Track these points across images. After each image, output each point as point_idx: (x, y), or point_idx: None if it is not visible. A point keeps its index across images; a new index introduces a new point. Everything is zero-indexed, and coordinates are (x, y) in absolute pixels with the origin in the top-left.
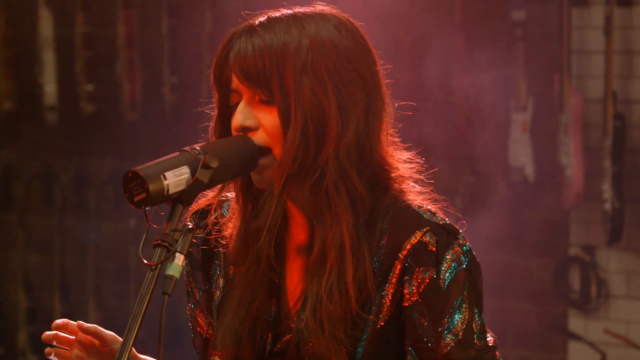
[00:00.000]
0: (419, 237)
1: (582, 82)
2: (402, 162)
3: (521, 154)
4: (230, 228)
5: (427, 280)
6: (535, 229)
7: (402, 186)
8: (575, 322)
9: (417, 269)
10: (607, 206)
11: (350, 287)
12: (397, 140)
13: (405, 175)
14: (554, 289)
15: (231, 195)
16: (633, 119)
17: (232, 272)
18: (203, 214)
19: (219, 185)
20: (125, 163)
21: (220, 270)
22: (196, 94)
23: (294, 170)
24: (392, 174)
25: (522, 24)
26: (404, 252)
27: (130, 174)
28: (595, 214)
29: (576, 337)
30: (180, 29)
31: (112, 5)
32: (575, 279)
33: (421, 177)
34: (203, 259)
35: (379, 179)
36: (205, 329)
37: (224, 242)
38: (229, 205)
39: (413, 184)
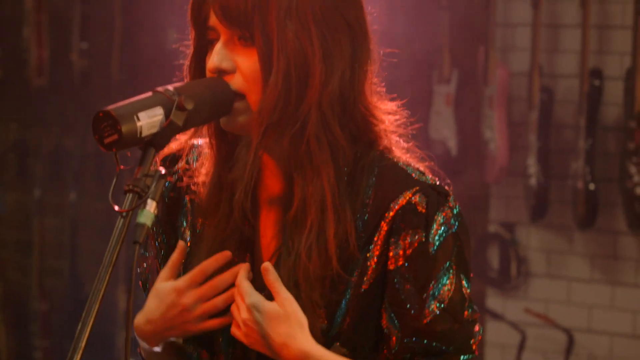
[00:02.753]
0: (408, 198)
1: (506, 55)
2: (387, 113)
3: (443, 127)
4: (203, 175)
5: (416, 244)
6: None
7: (386, 141)
8: (494, 301)
9: (404, 232)
10: (533, 181)
11: (330, 245)
12: (382, 89)
13: (390, 129)
14: (472, 267)
15: (199, 141)
16: (558, 94)
17: (200, 224)
18: (173, 160)
19: (192, 130)
20: (31, 131)
21: (186, 222)
22: (107, 60)
23: (274, 119)
24: (376, 127)
25: None
26: (392, 213)
27: (101, 114)
28: (516, 190)
29: (495, 316)
30: None
31: None
32: (494, 257)
33: (406, 132)
34: (170, 209)
35: (362, 131)
36: None
37: (194, 189)
38: (197, 152)
39: (398, 139)
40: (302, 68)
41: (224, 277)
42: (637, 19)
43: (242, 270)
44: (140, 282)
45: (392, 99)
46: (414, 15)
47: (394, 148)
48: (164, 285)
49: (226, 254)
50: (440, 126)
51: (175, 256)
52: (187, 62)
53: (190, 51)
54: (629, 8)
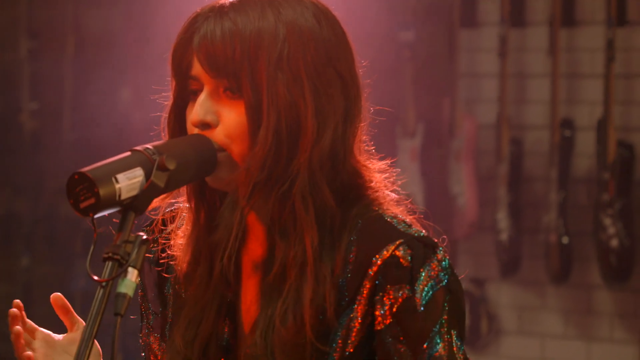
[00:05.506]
0: (391, 251)
1: (472, 106)
2: (376, 171)
3: (409, 183)
4: (180, 237)
5: (400, 300)
6: None
7: (375, 195)
8: None
9: (387, 287)
10: (503, 236)
11: (306, 311)
12: (371, 148)
13: (379, 186)
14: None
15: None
16: (528, 145)
17: (183, 288)
18: (158, 225)
19: (170, 194)
20: None
21: (172, 288)
22: (58, 120)
23: (262, 177)
24: (365, 187)
25: (410, 45)
26: (374, 268)
27: (76, 177)
28: (486, 245)
29: None
30: (41, 52)
31: None
32: None
33: (397, 188)
34: (157, 277)
35: (349, 189)
36: (159, 358)
37: (172, 253)
38: (174, 213)
39: (388, 192)
40: (293, 123)
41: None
42: (608, 66)
43: None
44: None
45: (381, 158)
46: (375, 67)
47: (382, 201)
48: None
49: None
50: (406, 182)
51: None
52: (165, 115)
53: (169, 103)
54: (598, 56)
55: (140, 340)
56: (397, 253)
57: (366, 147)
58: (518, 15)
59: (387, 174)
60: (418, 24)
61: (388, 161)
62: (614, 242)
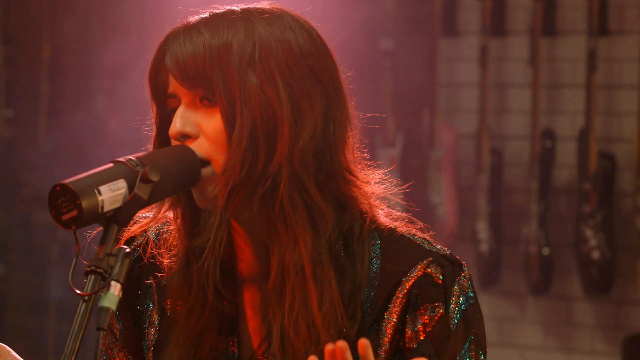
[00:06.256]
0: (423, 270)
1: (452, 116)
2: (373, 181)
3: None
4: (169, 254)
5: (437, 318)
6: None
7: (374, 210)
8: None
9: (423, 306)
10: (483, 247)
11: (317, 317)
12: (366, 156)
13: (376, 195)
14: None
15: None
16: (508, 156)
17: (169, 306)
18: (129, 239)
19: (155, 211)
20: None
21: (153, 305)
22: (33, 128)
23: (241, 178)
24: (362, 196)
25: (390, 54)
26: (407, 286)
27: (58, 189)
28: (466, 256)
29: None
30: (16, 59)
31: None
32: None
33: (397, 200)
34: (127, 289)
35: (347, 198)
36: None
37: (158, 274)
38: (159, 229)
39: (390, 210)
40: (269, 122)
41: None
42: (589, 76)
43: None
44: None
45: (377, 166)
46: (355, 76)
47: (385, 218)
48: None
49: None
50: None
51: None
52: (151, 142)
53: (154, 129)
54: (580, 66)
55: (102, 348)
56: (429, 271)
57: (360, 156)
58: (499, 24)
59: (386, 185)
60: (398, 32)
61: (385, 170)
62: (595, 254)
